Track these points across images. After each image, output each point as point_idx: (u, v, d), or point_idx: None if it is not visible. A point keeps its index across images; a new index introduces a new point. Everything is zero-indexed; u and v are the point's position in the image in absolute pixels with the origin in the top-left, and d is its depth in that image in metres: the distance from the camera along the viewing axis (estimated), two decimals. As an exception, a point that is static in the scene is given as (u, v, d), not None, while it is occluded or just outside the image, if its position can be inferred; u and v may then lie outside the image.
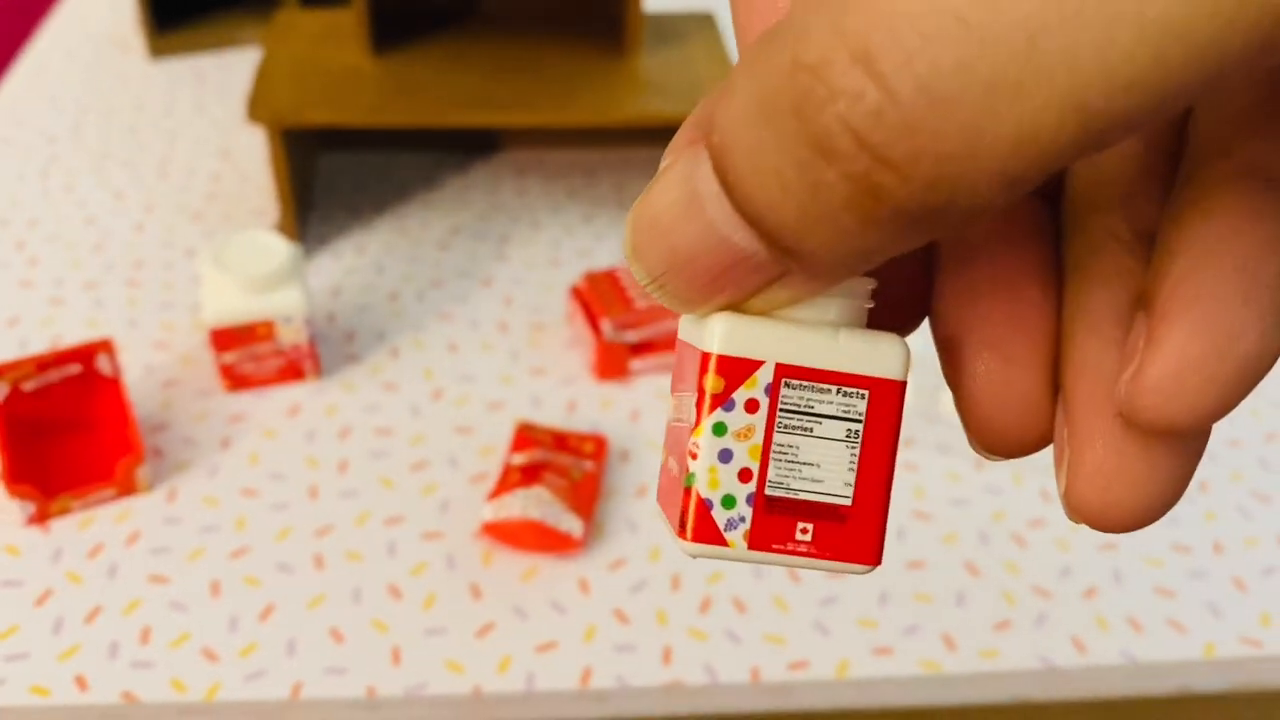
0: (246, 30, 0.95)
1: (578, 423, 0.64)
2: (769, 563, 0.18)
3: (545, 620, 0.54)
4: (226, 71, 0.93)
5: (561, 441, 0.61)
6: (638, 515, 0.59)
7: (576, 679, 0.51)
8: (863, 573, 0.18)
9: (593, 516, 0.58)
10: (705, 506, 0.18)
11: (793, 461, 0.18)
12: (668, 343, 0.67)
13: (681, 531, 0.17)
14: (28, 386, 0.59)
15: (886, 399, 0.18)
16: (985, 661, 0.53)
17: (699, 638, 0.53)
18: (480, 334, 0.70)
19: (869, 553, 0.18)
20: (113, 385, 0.61)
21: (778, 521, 0.18)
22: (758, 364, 0.17)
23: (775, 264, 0.15)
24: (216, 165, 0.82)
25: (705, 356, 0.17)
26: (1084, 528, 0.59)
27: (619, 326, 0.65)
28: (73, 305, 0.70)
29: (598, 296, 0.66)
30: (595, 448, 0.61)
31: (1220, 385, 0.15)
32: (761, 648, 0.53)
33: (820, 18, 0.13)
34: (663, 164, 0.16)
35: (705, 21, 0.81)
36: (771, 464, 0.18)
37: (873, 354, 0.17)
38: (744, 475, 0.18)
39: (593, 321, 0.66)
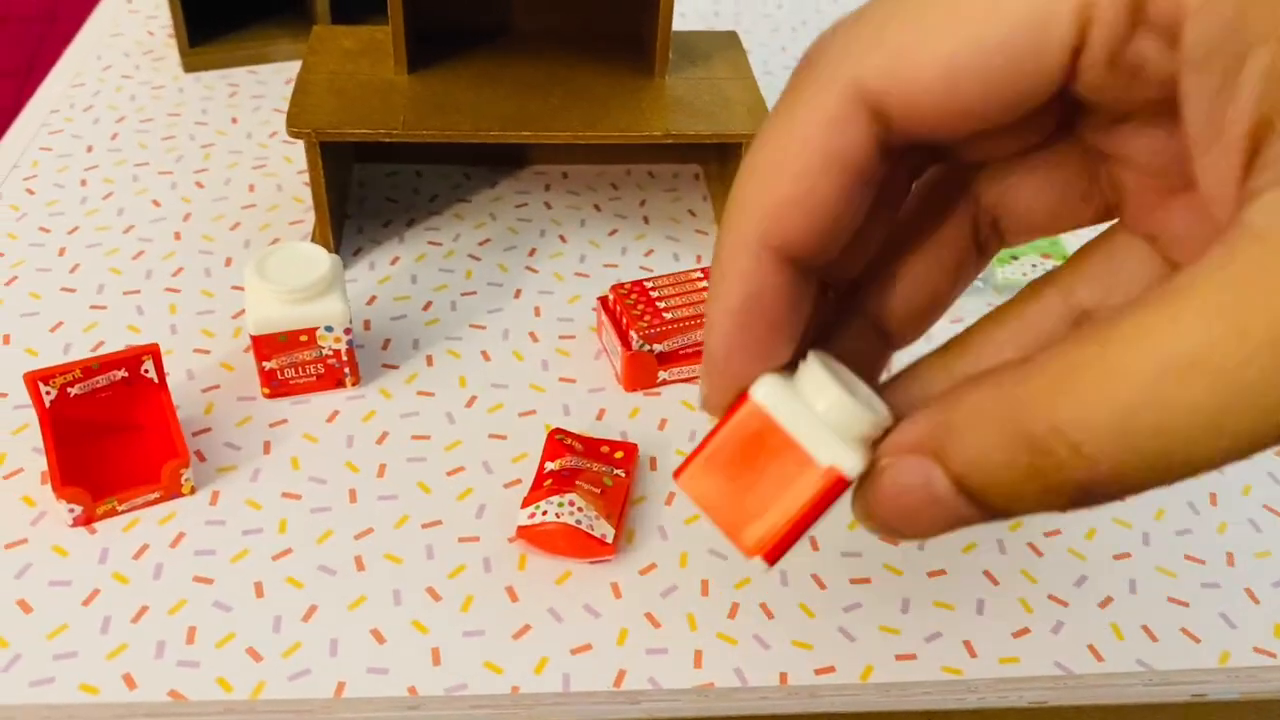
0: (279, 45, 0.97)
1: (607, 431, 0.66)
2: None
3: (580, 623, 0.55)
4: (260, 85, 0.95)
5: (593, 449, 0.63)
6: (667, 521, 0.60)
7: (611, 680, 0.53)
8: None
9: (623, 522, 0.60)
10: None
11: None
12: (694, 355, 0.69)
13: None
14: (75, 391, 0.61)
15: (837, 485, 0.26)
16: (1004, 668, 0.55)
17: (729, 642, 0.55)
18: (512, 343, 0.72)
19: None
20: (158, 390, 0.63)
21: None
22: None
23: (985, 518, 0.24)
24: (252, 176, 0.84)
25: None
26: (1097, 539, 0.61)
27: (647, 338, 0.67)
28: (114, 311, 0.72)
29: (626, 308, 0.68)
30: (625, 455, 0.63)
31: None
32: (789, 652, 0.55)
33: (1037, 413, 0.21)
34: (884, 460, 0.25)
35: (730, 39, 0.83)
36: None
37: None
38: None
39: (621, 333, 0.68)
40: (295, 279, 0.63)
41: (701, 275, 0.71)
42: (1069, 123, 0.26)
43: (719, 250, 0.26)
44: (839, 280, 0.29)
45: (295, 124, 0.69)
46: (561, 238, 0.81)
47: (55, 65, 1.05)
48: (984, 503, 0.23)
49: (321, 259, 0.64)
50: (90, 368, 0.60)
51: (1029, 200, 0.28)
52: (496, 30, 0.81)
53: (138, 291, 0.73)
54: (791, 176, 0.24)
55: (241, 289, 0.74)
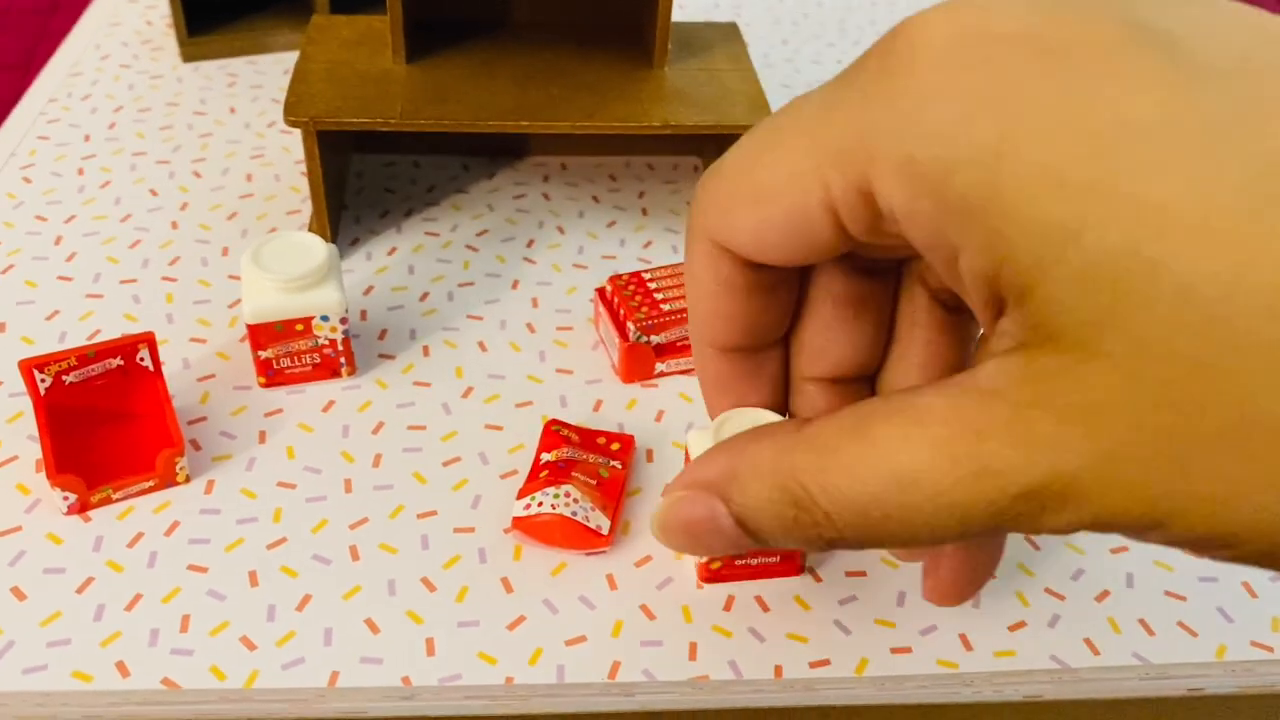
0: (278, 35, 0.97)
1: (604, 422, 0.66)
2: None
3: (574, 614, 0.55)
4: (258, 75, 0.95)
5: (589, 440, 0.62)
6: (663, 514, 0.60)
7: (605, 672, 0.53)
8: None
9: (619, 514, 0.59)
10: None
11: None
12: (690, 348, 0.68)
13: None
14: (70, 379, 0.60)
15: None
16: (1000, 661, 0.55)
17: (724, 635, 0.55)
18: (509, 334, 0.71)
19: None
20: (153, 378, 0.62)
21: None
22: None
23: (753, 547, 0.29)
24: (249, 166, 0.84)
25: None
26: (1093, 534, 0.61)
27: (645, 329, 0.67)
28: (110, 300, 0.71)
29: (624, 299, 0.68)
30: (622, 447, 0.63)
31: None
32: (784, 645, 0.54)
33: (797, 474, 0.27)
34: (675, 493, 0.30)
35: (730, 31, 0.83)
36: None
37: None
38: None
39: (618, 324, 0.68)
40: (291, 268, 0.62)
41: (699, 267, 0.70)
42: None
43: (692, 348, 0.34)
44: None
45: (293, 113, 0.69)
46: (560, 229, 0.81)
47: (54, 55, 1.04)
48: (756, 537, 0.29)
49: (318, 248, 0.64)
50: (86, 355, 0.60)
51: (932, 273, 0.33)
52: (495, 21, 0.80)
53: (134, 280, 0.73)
54: (699, 300, 0.32)
55: (238, 278, 0.74)
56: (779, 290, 0.32)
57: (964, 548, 0.33)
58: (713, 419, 0.36)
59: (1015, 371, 0.23)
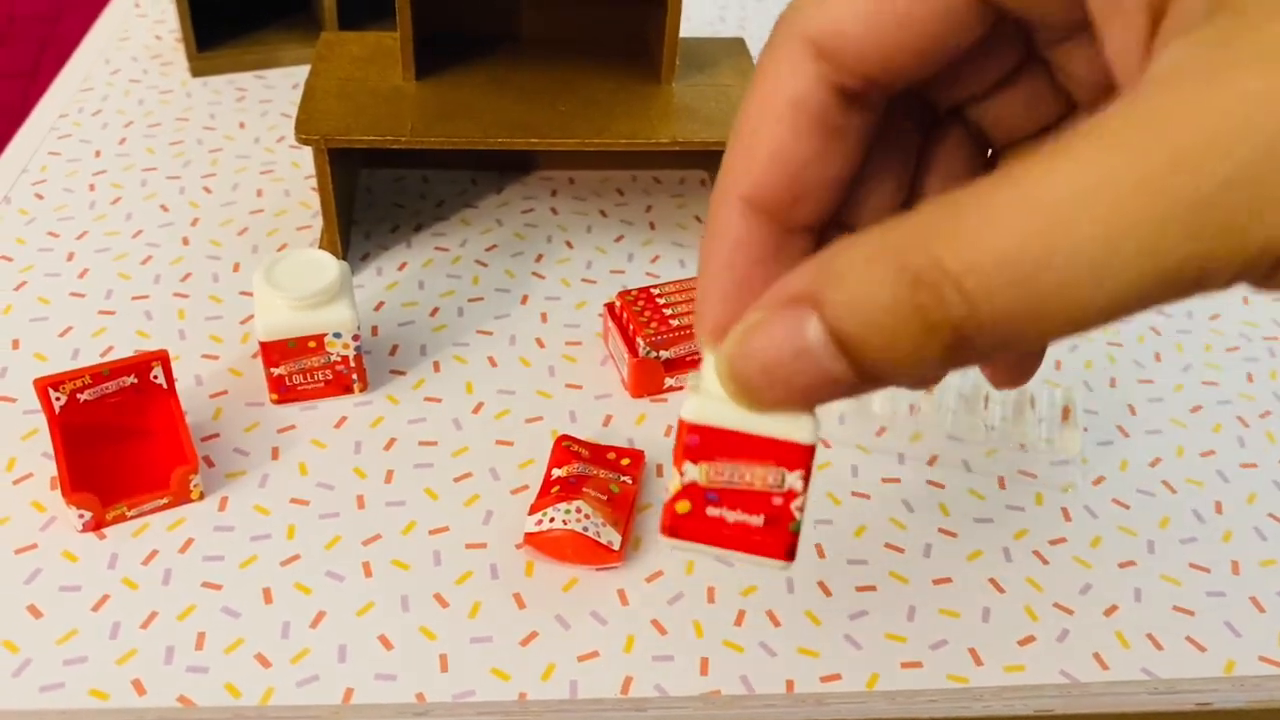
0: (287, 50, 0.97)
1: (613, 437, 0.66)
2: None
3: (586, 630, 0.55)
4: (268, 90, 0.95)
5: (600, 456, 0.63)
6: (673, 529, 0.61)
7: (617, 687, 0.53)
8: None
9: (630, 529, 0.60)
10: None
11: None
12: (699, 361, 0.69)
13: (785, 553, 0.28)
14: (84, 397, 0.61)
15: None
16: (1010, 675, 0.55)
17: (735, 649, 0.55)
18: (518, 349, 0.72)
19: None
20: (167, 396, 0.63)
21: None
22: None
23: (852, 383, 0.23)
24: (259, 182, 0.85)
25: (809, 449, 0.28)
26: (1102, 547, 0.61)
27: (654, 344, 0.67)
28: (123, 316, 0.72)
29: (634, 314, 0.68)
30: (632, 462, 0.63)
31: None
32: (795, 660, 0.55)
33: (926, 250, 0.21)
34: (755, 316, 0.24)
35: (736, 46, 0.83)
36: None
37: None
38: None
39: (628, 339, 0.68)
40: (304, 286, 0.63)
41: (708, 282, 0.71)
42: (1030, 52, 0.29)
43: (711, 200, 0.28)
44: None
45: (304, 130, 0.70)
46: (568, 244, 0.81)
47: (63, 68, 1.05)
48: (857, 354, 0.22)
49: (330, 265, 0.64)
50: (100, 373, 0.61)
51: (1009, 114, 0.30)
52: (503, 36, 0.81)
53: (146, 297, 0.73)
54: (753, 130, 0.27)
55: (250, 294, 0.74)
56: (849, 135, 0.27)
57: None
58: (704, 327, 0.29)
59: (1217, 34, 0.19)
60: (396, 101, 0.73)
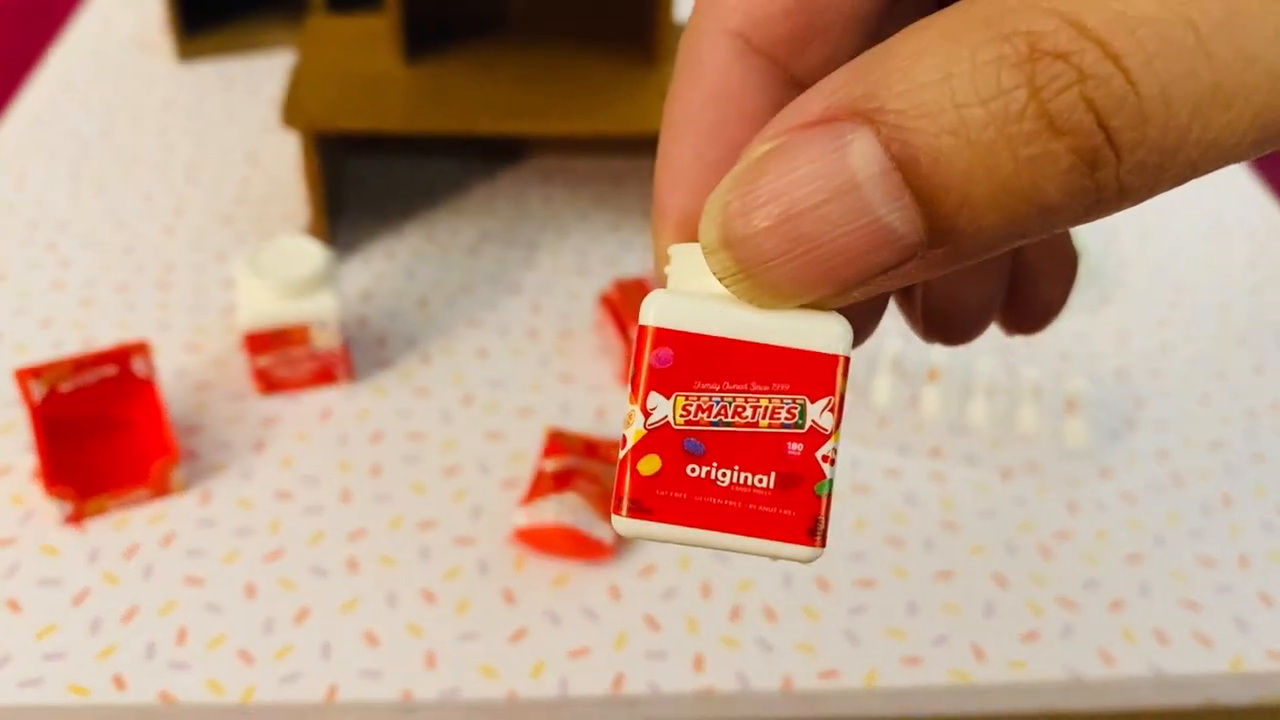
0: (274, 35, 0.95)
1: (607, 430, 0.64)
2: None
3: (577, 626, 0.54)
4: (254, 76, 0.94)
5: (592, 449, 0.61)
6: (668, 523, 0.59)
7: (609, 685, 0.52)
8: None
9: (623, 523, 0.58)
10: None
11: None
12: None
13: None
14: (64, 387, 0.59)
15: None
16: (1013, 672, 0.54)
17: (730, 645, 0.54)
18: (510, 341, 0.70)
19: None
20: (148, 387, 0.61)
21: None
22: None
23: (918, 248, 0.15)
24: (245, 170, 0.83)
25: (833, 360, 0.18)
26: (1108, 541, 0.60)
27: (648, 335, 0.66)
28: (104, 307, 0.70)
29: (628, 305, 0.67)
30: (625, 455, 0.61)
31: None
32: (792, 656, 0.53)
33: (1041, 8, 0.14)
34: (761, 147, 0.16)
35: (732, 32, 0.82)
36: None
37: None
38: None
39: (622, 330, 0.67)
40: (288, 274, 0.61)
41: (703, 271, 0.69)
42: None
43: (685, 41, 0.21)
44: None
45: (290, 117, 0.68)
46: (561, 233, 0.80)
47: (47, 53, 1.03)
48: (937, 192, 0.14)
49: (315, 254, 0.63)
50: (81, 364, 0.59)
51: None
52: (494, 20, 0.79)
53: (128, 288, 0.72)
54: None
55: (234, 286, 0.73)
56: None
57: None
58: (669, 215, 0.21)
59: None
60: (385, 86, 0.72)
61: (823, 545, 0.19)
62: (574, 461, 0.59)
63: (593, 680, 0.52)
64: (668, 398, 0.19)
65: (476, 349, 0.70)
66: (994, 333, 0.73)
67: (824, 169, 0.15)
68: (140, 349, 0.60)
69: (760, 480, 0.19)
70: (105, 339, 0.68)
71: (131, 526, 0.57)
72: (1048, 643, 0.55)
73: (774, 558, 0.19)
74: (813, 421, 0.19)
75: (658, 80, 0.75)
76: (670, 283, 0.19)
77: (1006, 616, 0.56)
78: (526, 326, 0.72)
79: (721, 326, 0.18)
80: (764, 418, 0.19)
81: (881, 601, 0.56)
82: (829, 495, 0.19)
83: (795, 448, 0.19)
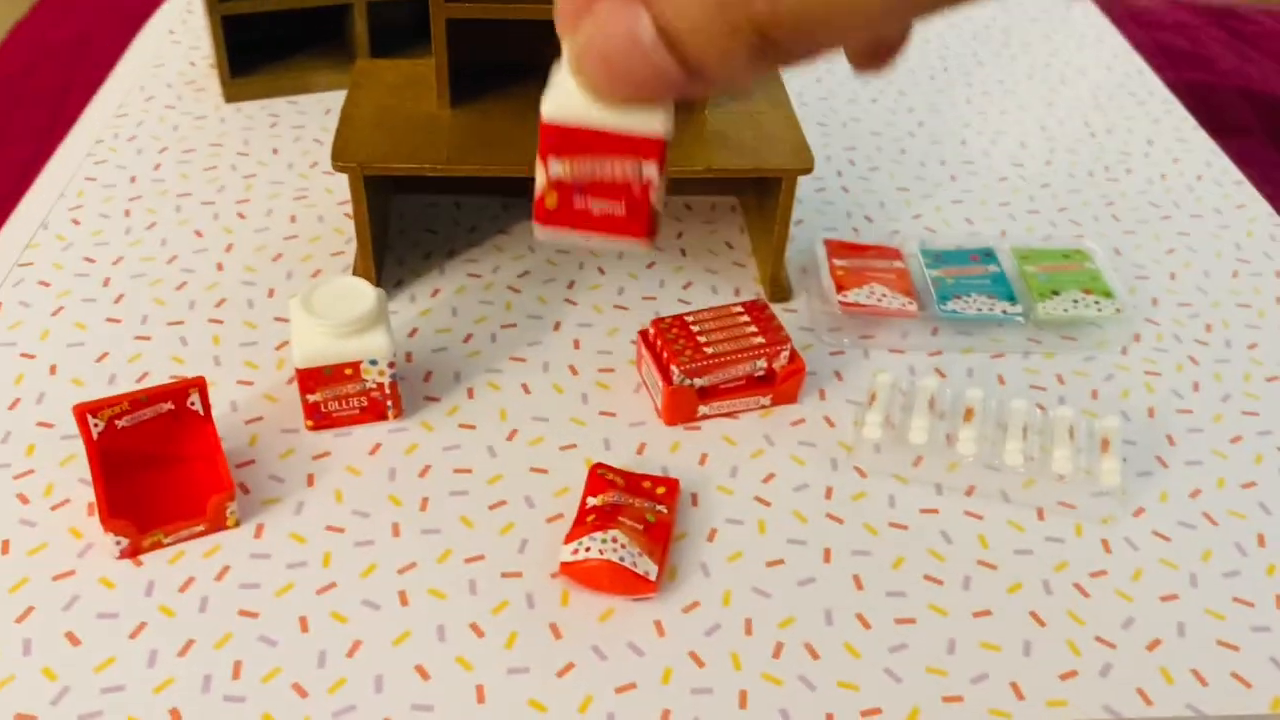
0: (318, 76, 0.98)
1: (648, 465, 0.66)
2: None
3: (623, 661, 0.55)
4: (300, 115, 0.96)
5: (634, 484, 0.63)
6: (709, 559, 0.60)
7: (655, 720, 0.53)
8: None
9: (666, 559, 0.59)
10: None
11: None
12: (736, 390, 0.69)
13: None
14: (122, 423, 0.61)
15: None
16: (1053, 711, 0.54)
17: (773, 683, 0.55)
18: (552, 376, 0.72)
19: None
20: (203, 422, 0.63)
21: None
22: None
23: (683, 79, 0.26)
24: (293, 207, 0.85)
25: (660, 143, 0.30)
26: (1144, 580, 0.60)
27: (689, 372, 0.67)
28: (159, 342, 0.72)
29: (667, 342, 0.68)
30: (667, 491, 0.63)
31: None
32: (835, 694, 0.54)
33: None
34: (601, 8, 0.26)
35: (770, 75, 0.83)
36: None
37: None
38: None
39: (662, 367, 0.68)
40: (341, 313, 0.63)
41: (742, 310, 0.71)
42: None
43: None
44: None
45: (340, 158, 0.70)
46: (600, 270, 0.81)
47: (98, 92, 1.06)
48: (680, 50, 0.26)
49: (367, 293, 0.64)
50: (138, 400, 0.61)
51: None
52: (534, 63, 0.81)
53: (182, 322, 0.74)
54: None
55: (284, 320, 0.74)
56: None
57: None
58: (563, 19, 0.29)
59: None
60: (431, 129, 0.73)
61: (654, 239, 0.32)
62: (617, 498, 0.61)
63: (640, 716, 0.53)
64: (560, 160, 0.31)
65: (520, 384, 0.71)
66: (1026, 372, 0.73)
67: (627, 33, 0.26)
68: (196, 385, 0.62)
69: (616, 207, 0.32)
70: (159, 373, 0.70)
71: (187, 560, 0.59)
72: (1086, 681, 0.56)
73: (625, 248, 0.31)
74: (646, 174, 0.31)
75: (696, 123, 0.77)
76: (562, 77, 0.30)
77: (1045, 655, 0.57)
78: (567, 362, 0.73)
79: (588, 120, 0.30)
80: (617, 172, 0.31)
81: (922, 639, 0.57)
82: (658, 215, 0.32)
83: (636, 189, 0.31)
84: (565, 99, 0.31)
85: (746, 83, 0.29)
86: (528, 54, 0.81)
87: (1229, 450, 0.69)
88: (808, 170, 0.73)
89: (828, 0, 0.23)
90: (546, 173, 0.34)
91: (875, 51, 0.31)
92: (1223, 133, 1.48)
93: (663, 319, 0.70)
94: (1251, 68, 1.64)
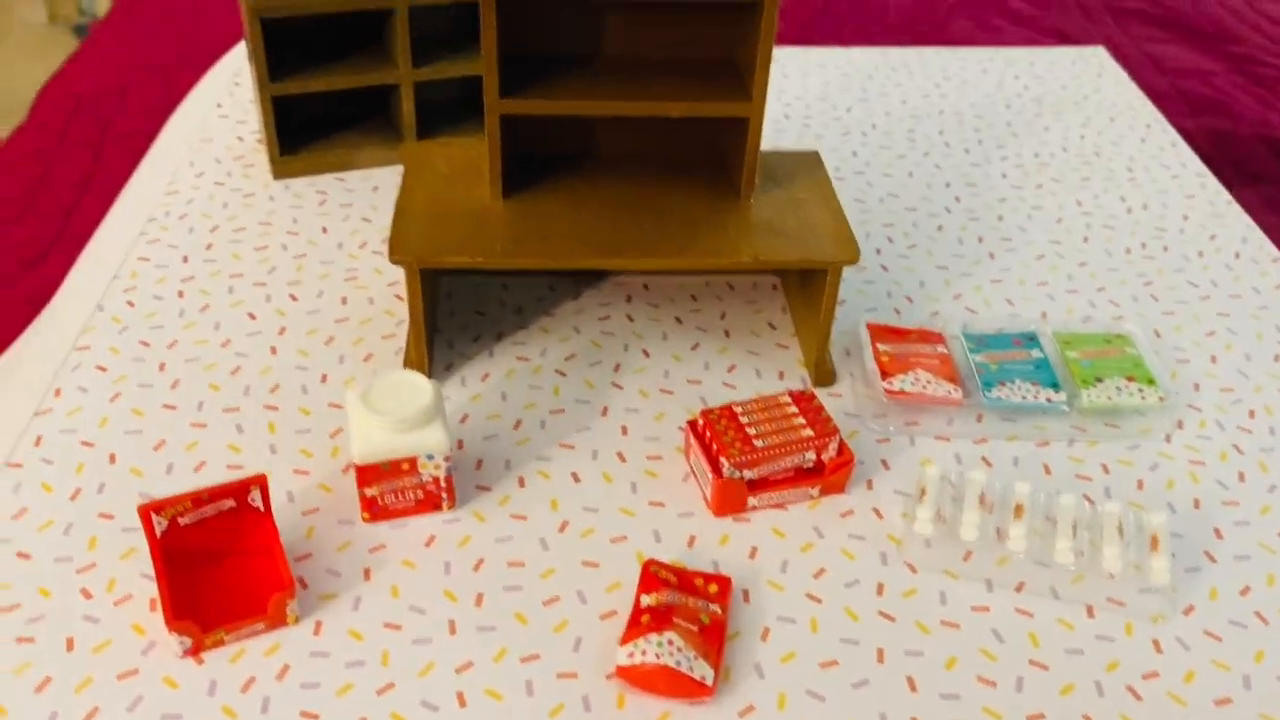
0: (365, 153, 0.99)
1: (698, 559, 0.66)
2: None
3: (682, 767, 0.56)
4: (348, 193, 0.97)
5: (687, 582, 0.63)
6: (763, 659, 0.61)
7: (715, 829, 0.53)
8: None
9: (721, 661, 0.60)
10: None
11: None
12: (784, 481, 0.69)
13: None
14: (185, 520, 0.62)
15: None
16: (1109, 820, 0.54)
17: (831, 790, 0.55)
18: (600, 464, 0.73)
19: None
20: (263, 518, 0.64)
21: None
22: None
23: None
24: (344, 288, 0.86)
25: None
26: (1197, 683, 0.61)
27: (738, 465, 0.68)
28: (214, 429, 0.73)
29: (716, 434, 0.69)
30: (720, 589, 0.63)
31: None
32: (892, 802, 0.54)
33: None
34: None
35: (811, 160, 0.84)
36: None
37: None
38: None
39: (711, 459, 0.69)
40: (399, 409, 0.64)
41: (790, 400, 0.72)
42: None
43: None
44: None
45: (397, 252, 0.71)
46: (645, 352, 0.82)
47: (145, 158, 1.08)
48: None
49: (424, 388, 0.65)
50: (200, 498, 0.62)
51: None
52: (584, 152, 0.83)
53: (237, 409, 0.75)
54: None
55: (338, 406, 0.75)
56: None
57: None
58: None
59: None
60: (485, 220, 0.75)
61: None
62: (671, 597, 0.61)
63: (698, 824, 0.53)
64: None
65: (569, 472, 0.72)
66: (1071, 461, 0.73)
67: None
68: (258, 482, 0.63)
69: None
70: (216, 462, 0.71)
71: (248, 658, 0.60)
72: (1142, 790, 0.56)
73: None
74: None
75: (741, 212, 0.78)
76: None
77: (1100, 762, 0.57)
78: (616, 448, 0.74)
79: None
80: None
81: (976, 745, 0.57)
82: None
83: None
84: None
85: None
86: (576, 141, 0.82)
87: (1277, 544, 0.69)
88: (853, 261, 0.74)
89: None
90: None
91: None
92: (1245, 181, 1.49)
93: (711, 410, 0.71)
94: (1274, 115, 1.65)
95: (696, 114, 0.74)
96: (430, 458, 0.65)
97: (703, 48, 0.78)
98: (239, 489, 0.63)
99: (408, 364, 0.78)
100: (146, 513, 0.61)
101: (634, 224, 0.76)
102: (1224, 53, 1.88)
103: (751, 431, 0.69)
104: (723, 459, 0.68)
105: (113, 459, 0.71)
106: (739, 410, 0.71)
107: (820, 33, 1.98)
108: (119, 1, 2.32)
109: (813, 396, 0.72)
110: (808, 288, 0.82)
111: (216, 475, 0.70)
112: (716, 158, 0.83)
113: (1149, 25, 1.98)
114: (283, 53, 0.95)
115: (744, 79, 0.76)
